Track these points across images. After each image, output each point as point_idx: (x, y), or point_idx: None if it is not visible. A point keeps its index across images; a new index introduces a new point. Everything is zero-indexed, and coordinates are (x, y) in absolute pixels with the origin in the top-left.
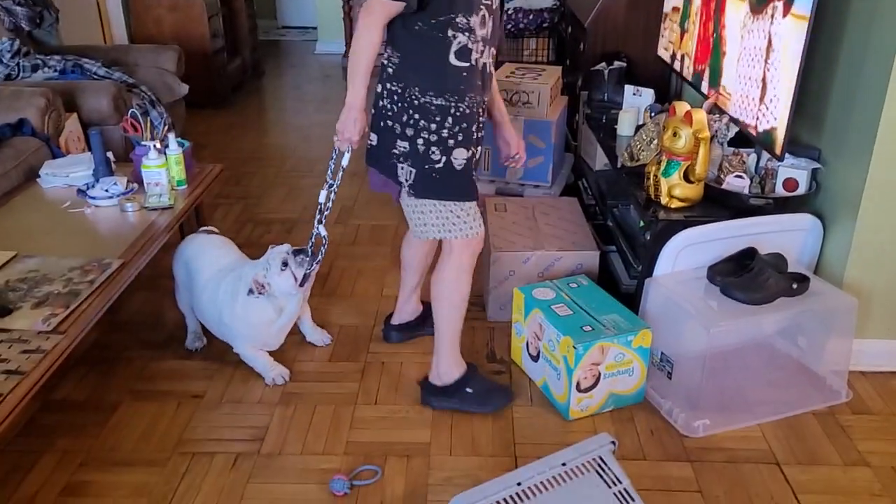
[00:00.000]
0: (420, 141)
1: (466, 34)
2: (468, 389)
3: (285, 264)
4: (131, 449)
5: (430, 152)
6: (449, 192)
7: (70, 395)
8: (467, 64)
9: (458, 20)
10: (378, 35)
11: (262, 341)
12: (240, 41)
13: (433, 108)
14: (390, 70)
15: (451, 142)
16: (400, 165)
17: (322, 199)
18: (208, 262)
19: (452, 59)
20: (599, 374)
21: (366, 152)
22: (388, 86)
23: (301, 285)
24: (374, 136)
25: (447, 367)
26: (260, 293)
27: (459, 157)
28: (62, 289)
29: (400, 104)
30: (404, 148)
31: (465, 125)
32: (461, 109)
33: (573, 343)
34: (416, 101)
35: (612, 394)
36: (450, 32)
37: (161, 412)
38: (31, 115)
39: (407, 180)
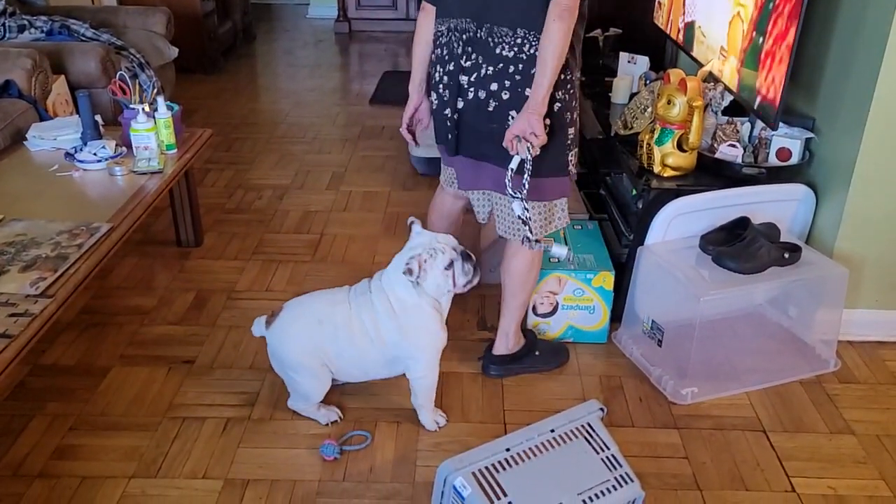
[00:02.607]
0: (562, 105)
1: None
2: (536, 352)
3: (450, 265)
4: (121, 413)
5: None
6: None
7: (60, 360)
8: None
9: None
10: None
11: (441, 345)
12: (231, 4)
13: (576, 83)
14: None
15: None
16: (570, 153)
17: (519, 211)
18: (320, 310)
19: (580, 32)
20: (557, 303)
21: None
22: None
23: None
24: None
25: (517, 338)
26: (417, 279)
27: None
28: (50, 252)
29: (570, 90)
30: (573, 133)
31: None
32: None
33: None
34: (575, 81)
35: (571, 326)
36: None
37: (152, 377)
38: (17, 77)
39: (574, 163)
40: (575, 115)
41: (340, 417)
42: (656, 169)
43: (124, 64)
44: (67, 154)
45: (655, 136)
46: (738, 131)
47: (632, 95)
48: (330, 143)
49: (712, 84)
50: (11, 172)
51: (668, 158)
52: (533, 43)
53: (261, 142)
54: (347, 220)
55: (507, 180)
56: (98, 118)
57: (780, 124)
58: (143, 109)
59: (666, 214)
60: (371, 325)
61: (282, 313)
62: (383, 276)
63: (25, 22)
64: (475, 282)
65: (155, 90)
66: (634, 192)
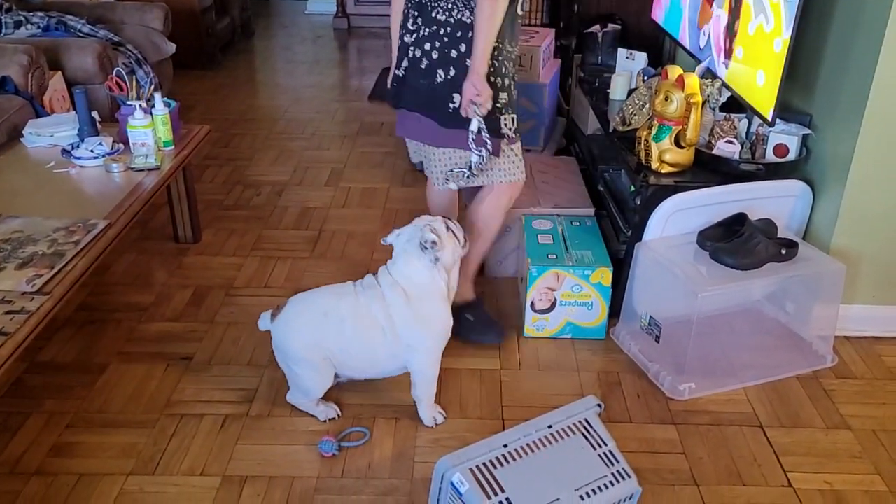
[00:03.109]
0: (513, 86)
1: None
2: (468, 316)
3: (447, 227)
4: (119, 410)
5: (517, 97)
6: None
7: (57, 357)
8: (522, 12)
9: None
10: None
11: (449, 333)
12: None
13: (514, 56)
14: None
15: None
16: (503, 117)
17: (475, 160)
18: (325, 303)
19: (519, 9)
20: (555, 299)
21: (443, 115)
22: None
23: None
24: (458, 98)
25: (465, 289)
26: (438, 253)
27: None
28: (47, 249)
29: (498, 57)
30: (504, 99)
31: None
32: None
33: (530, 264)
34: (505, 51)
35: (569, 322)
36: None
37: (149, 374)
38: (13, 73)
39: (511, 127)
40: (507, 82)
41: (339, 415)
42: (654, 165)
43: (121, 60)
44: (64, 151)
45: (653, 132)
46: (735, 127)
47: (630, 91)
48: (329, 140)
49: (710, 80)
50: (8, 169)
51: (665, 155)
52: (461, 9)
53: (259, 138)
54: (346, 216)
55: (470, 141)
56: (95, 114)
57: (777, 120)
58: (140, 106)
59: (664, 210)
60: (383, 317)
61: (287, 307)
62: (391, 268)
63: (22, 18)
64: (463, 236)
65: (152, 86)
66: (632, 188)
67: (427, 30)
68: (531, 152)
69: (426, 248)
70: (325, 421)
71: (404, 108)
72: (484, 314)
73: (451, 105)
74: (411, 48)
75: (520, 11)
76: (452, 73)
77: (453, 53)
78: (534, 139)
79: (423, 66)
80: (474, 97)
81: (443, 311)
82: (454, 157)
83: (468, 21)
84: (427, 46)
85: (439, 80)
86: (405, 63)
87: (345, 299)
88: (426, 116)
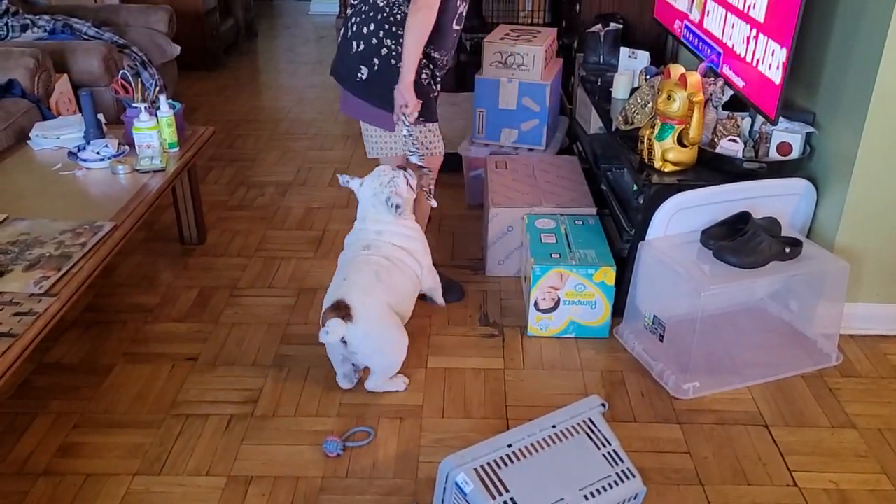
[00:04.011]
0: (423, 75)
1: (463, 4)
2: None
3: (405, 180)
4: (125, 411)
5: (431, 87)
6: (434, 115)
7: (64, 358)
8: (458, 28)
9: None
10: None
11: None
12: (233, 1)
13: (441, 62)
14: (399, 17)
15: (434, 81)
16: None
17: (415, 160)
18: (369, 273)
19: (454, 24)
20: (559, 298)
21: (354, 84)
22: (396, 30)
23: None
24: (365, 71)
25: None
26: (400, 210)
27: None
28: (54, 251)
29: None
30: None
31: (442, 71)
32: (444, 61)
33: (533, 264)
34: (429, 56)
35: (573, 321)
36: (456, 2)
37: (155, 375)
38: (20, 76)
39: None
40: (427, 82)
41: (407, 383)
42: (657, 164)
43: (126, 62)
44: (70, 153)
45: (656, 131)
46: (738, 126)
47: (632, 90)
48: (332, 140)
49: (713, 79)
50: (15, 172)
51: (668, 153)
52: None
53: (263, 139)
54: (350, 216)
55: (405, 140)
56: (101, 117)
57: (781, 119)
58: (145, 108)
59: (667, 209)
60: (408, 258)
61: (349, 301)
62: (370, 225)
63: (28, 21)
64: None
65: (157, 88)
66: (635, 187)
67: (360, 4)
68: (533, 152)
69: (391, 208)
70: (405, 390)
71: (334, 77)
72: (443, 277)
73: (358, 76)
74: (348, 19)
75: (455, 27)
76: (361, 47)
77: (364, 30)
78: (537, 139)
79: (347, 36)
80: (401, 108)
81: (420, 229)
82: (374, 132)
83: (381, 4)
84: (354, 19)
85: (352, 51)
86: (341, 31)
87: (373, 260)
88: (342, 86)
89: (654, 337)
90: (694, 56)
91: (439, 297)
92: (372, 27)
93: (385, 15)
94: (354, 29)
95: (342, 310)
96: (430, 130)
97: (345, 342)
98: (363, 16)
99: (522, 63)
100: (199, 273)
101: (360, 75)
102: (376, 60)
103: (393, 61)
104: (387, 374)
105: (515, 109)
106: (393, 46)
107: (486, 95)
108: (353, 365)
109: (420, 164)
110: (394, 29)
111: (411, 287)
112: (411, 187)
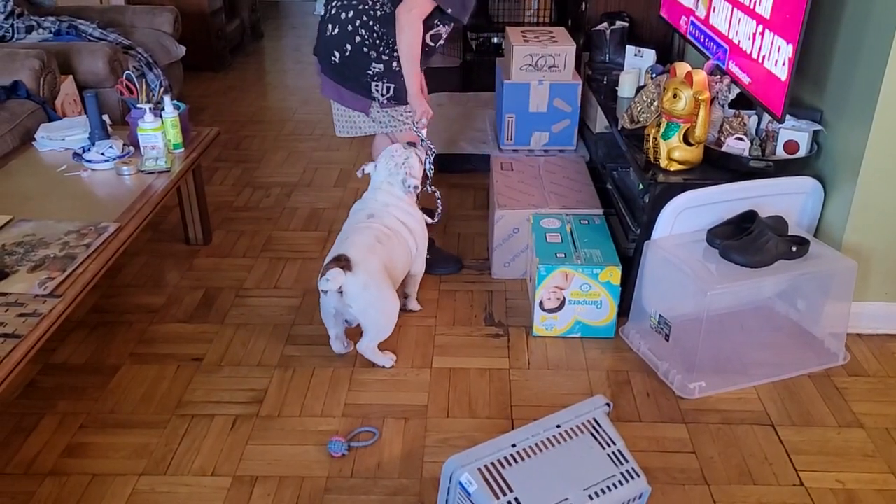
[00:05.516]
0: (395, 64)
1: (445, 27)
2: (427, 256)
3: (418, 158)
4: (131, 411)
5: (401, 74)
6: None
7: (70, 359)
8: (433, 45)
9: (437, 22)
10: (421, 26)
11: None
12: (238, 1)
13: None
14: (378, 13)
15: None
16: (374, 83)
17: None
18: (369, 235)
19: (429, 40)
20: (564, 298)
21: (328, 67)
22: (372, 24)
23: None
24: (337, 55)
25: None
26: (416, 185)
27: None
28: (59, 252)
29: (379, 41)
30: (379, 69)
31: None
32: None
33: (538, 263)
34: (392, 45)
35: (578, 321)
36: (435, 21)
37: (161, 375)
38: (25, 78)
39: (384, 94)
40: (384, 58)
41: (395, 361)
42: (663, 163)
43: (132, 63)
44: (75, 154)
45: (662, 129)
46: (745, 124)
47: (638, 89)
48: (337, 141)
49: (719, 77)
50: (20, 173)
51: (674, 152)
52: None
53: (269, 139)
54: None
55: (422, 145)
56: (106, 118)
57: (788, 117)
58: (150, 109)
59: (673, 208)
60: (407, 234)
61: (350, 254)
62: (379, 196)
63: (33, 23)
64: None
65: (162, 89)
66: (641, 186)
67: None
68: (565, 153)
69: (408, 188)
70: (391, 367)
71: (315, 56)
72: (438, 251)
73: (332, 59)
74: (330, 1)
75: (429, 42)
76: (336, 31)
77: (342, 15)
78: (568, 139)
79: (326, 17)
80: (418, 117)
81: (421, 216)
82: (343, 112)
83: None
84: (335, 3)
85: (327, 33)
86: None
87: (375, 225)
88: (320, 65)
89: (660, 336)
90: (700, 54)
91: (414, 292)
92: (350, 14)
93: (365, 7)
94: (333, 12)
95: (342, 261)
96: (387, 114)
97: (341, 293)
98: (344, 1)
99: (554, 64)
100: (204, 274)
101: (333, 59)
102: (348, 46)
103: (365, 49)
104: (378, 336)
105: (547, 112)
106: (366, 36)
107: (515, 100)
108: (347, 322)
109: (431, 145)
110: (370, 23)
111: (405, 259)
112: (422, 163)
